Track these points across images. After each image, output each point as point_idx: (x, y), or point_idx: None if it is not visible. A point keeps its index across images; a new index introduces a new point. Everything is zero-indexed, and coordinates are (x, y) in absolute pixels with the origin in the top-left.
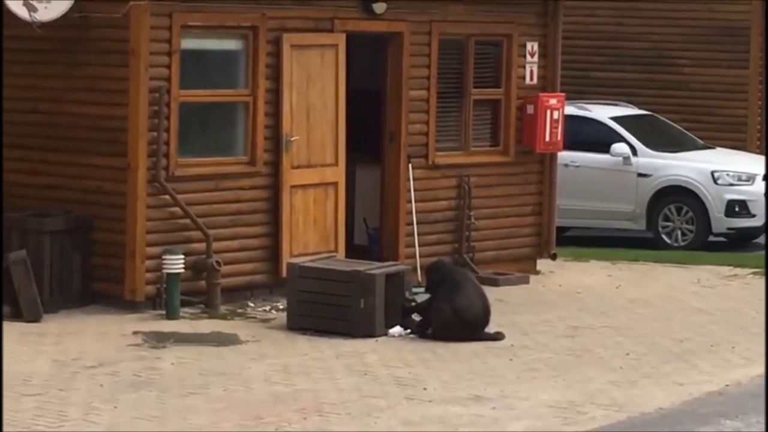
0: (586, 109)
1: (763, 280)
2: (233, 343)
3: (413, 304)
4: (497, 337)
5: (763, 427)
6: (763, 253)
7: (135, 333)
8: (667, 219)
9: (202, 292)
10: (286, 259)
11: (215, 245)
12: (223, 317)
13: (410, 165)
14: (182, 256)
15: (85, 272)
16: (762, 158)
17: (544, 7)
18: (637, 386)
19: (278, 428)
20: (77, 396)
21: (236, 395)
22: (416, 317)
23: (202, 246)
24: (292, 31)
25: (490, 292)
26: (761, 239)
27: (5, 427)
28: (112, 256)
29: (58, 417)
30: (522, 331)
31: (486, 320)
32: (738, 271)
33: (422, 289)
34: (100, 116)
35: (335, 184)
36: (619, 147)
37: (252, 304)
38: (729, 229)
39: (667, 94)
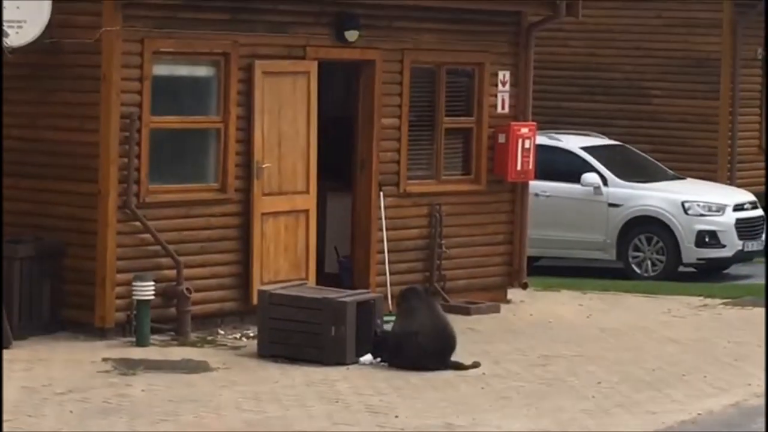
0: (557, 139)
1: (733, 311)
2: (204, 371)
3: (383, 332)
4: (470, 366)
5: None
6: (733, 283)
7: (105, 360)
8: (637, 249)
9: (173, 319)
10: (256, 286)
11: (186, 272)
12: (194, 344)
13: (381, 193)
14: (153, 283)
15: (55, 299)
16: (733, 189)
17: (516, 37)
18: (609, 415)
19: None
20: (47, 423)
21: (207, 422)
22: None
23: (173, 273)
24: (264, 58)
25: (462, 321)
26: (731, 270)
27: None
28: (82, 282)
29: None
30: (494, 360)
31: (451, 348)
32: (708, 301)
33: (393, 317)
34: (72, 142)
35: (306, 211)
36: (590, 177)
37: (222, 332)
38: (699, 259)
39: (639, 124)
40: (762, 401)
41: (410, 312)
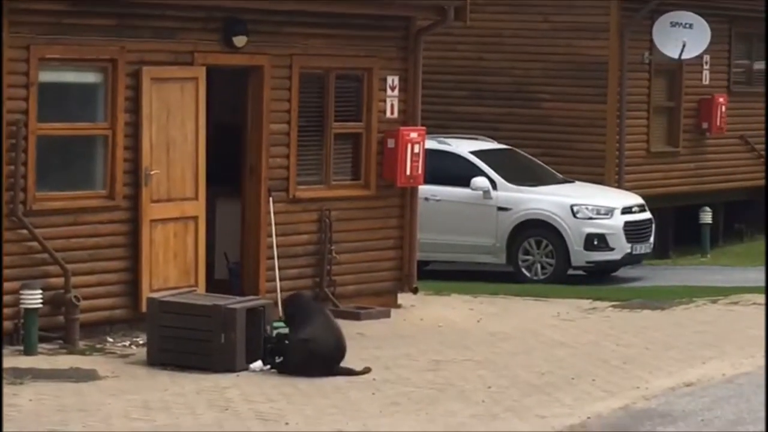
0: (446, 143)
1: (622, 313)
2: (92, 379)
3: (273, 338)
4: (360, 371)
5: None
6: (622, 286)
7: None
8: (526, 252)
9: (61, 327)
10: (145, 293)
11: (74, 280)
12: (82, 353)
13: (271, 199)
14: (40, 291)
15: None
16: (621, 192)
17: (404, 42)
18: (499, 419)
19: None
20: None
21: None
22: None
23: (61, 281)
24: (151, 64)
25: (352, 326)
26: (620, 272)
27: None
28: None
29: None
30: (384, 365)
31: (340, 354)
32: (597, 304)
33: (283, 324)
34: None
35: (195, 218)
36: (479, 181)
37: (111, 340)
38: (588, 262)
39: (527, 128)
40: (650, 404)
41: (300, 319)
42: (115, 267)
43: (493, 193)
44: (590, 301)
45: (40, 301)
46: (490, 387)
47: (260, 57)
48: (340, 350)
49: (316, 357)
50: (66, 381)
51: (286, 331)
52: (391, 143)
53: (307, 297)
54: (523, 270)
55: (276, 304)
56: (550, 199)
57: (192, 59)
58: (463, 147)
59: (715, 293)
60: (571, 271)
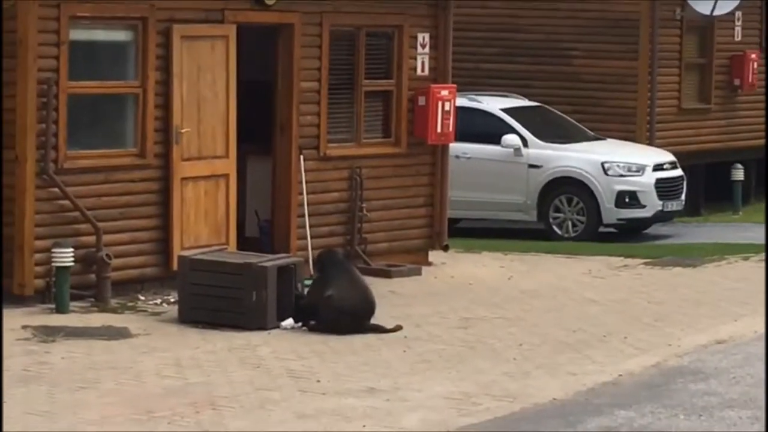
0: (477, 101)
1: (654, 270)
2: (124, 337)
3: (304, 296)
4: (391, 329)
5: (654, 418)
6: (653, 243)
7: (24, 327)
8: (557, 210)
9: (92, 285)
10: (177, 251)
11: (105, 238)
12: (114, 311)
13: (301, 157)
14: (72, 250)
15: None
16: (652, 149)
17: None
18: (530, 377)
19: (171, 422)
20: None
21: (128, 389)
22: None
23: (92, 239)
24: (182, 22)
25: (383, 284)
26: (651, 230)
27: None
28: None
29: None
30: (415, 323)
31: (368, 311)
32: (629, 261)
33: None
34: None
35: (226, 176)
36: (510, 138)
37: (143, 298)
38: (619, 220)
39: (558, 85)
40: (682, 361)
41: (327, 275)
42: (146, 225)
43: (524, 151)
44: (621, 258)
45: (72, 259)
46: (521, 344)
47: (291, 15)
48: (367, 307)
49: (342, 313)
50: (98, 339)
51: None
52: (421, 101)
53: (334, 254)
54: (554, 227)
55: (307, 261)
56: (581, 157)
57: (222, 17)
58: (494, 104)
59: (746, 250)
60: (602, 229)
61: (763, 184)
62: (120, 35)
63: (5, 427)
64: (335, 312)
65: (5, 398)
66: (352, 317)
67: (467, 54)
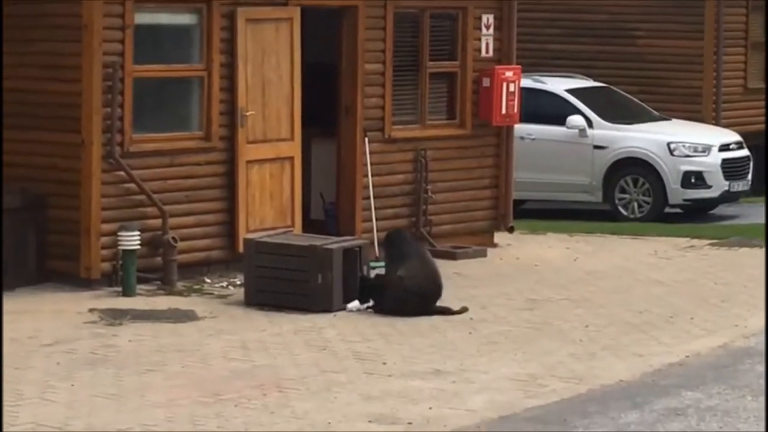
0: (541, 82)
1: (720, 251)
2: (190, 320)
3: (370, 278)
4: (457, 311)
5: (722, 399)
6: (720, 224)
7: (91, 310)
8: (623, 191)
9: (159, 268)
10: (242, 234)
11: (171, 221)
12: (180, 293)
13: (366, 139)
14: (138, 233)
15: (40, 250)
16: (718, 129)
17: None
18: (596, 358)
19: (237, 404)
20: (34, 374)
21: (194, 372)
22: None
23: (158, 222)
24: (246, 5)
25: (448, 266)
26: (717, 210)
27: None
28: (67, 233)
29: (15, 395)
30: (481, 305)
31: (437, 292)
32: (695, 242)
33: (380, 263)
34: (54, 92)
35: (291, 158)
36: (575, 119)
37: (209, 280)
38: (685, 200)
39: (623, 65)
40: (749, 342)
41: (397, 256)
42: (211, 208)
43: (589, 132)
44: (687, 239)
45: (138, 242)
46: (587, 326)
47: None
48: (436, 288)
49: (412, 294)
50: (164, 321)
51: (382, 270)
52: (486, 82)
53: (405, 234)
54: (620, 208)
55: (372, 244)
56: (647, 137)
57: (286, 0)
58: (559, 85)
59: None
60: (668, 209)
61: None
62: (185, 18)
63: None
64: (403, 292)
65: (73, 381)
66: (420, 298)
67: (531, 35)
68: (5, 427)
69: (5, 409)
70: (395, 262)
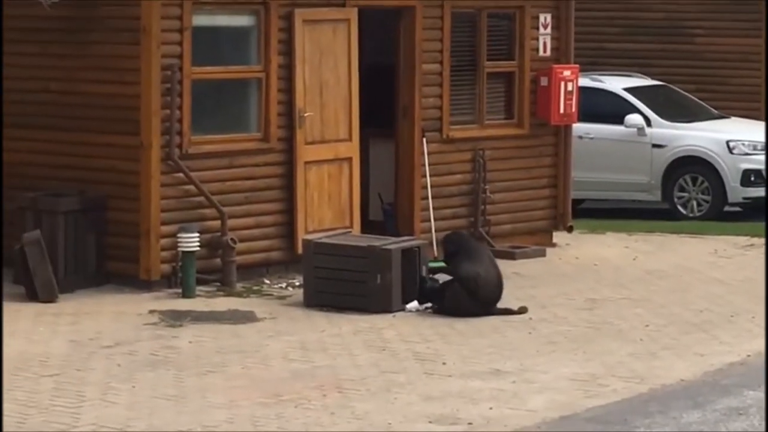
0: (599, 81)
1: None
2: (250, 321)
3: (428, 279)
4: (517, 311)
5: None
6: None
7: (151, 312)
8: (682, 189)
9: (218, 269)
10: (301, 235)
11: (230, 222)
12: (239, 295)
13: (424, 139)
14: (197, 234)
15: (99, 252)
16: None
17: None
18: (657, 358)
19: (298, 405)
20: (95, 376)
21: (254, 373)
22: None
23: (217, 223)
24: (304, 6)
25: (507, 266)
26: None
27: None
28: (126, 235)
29: (77, 397)
30: (540, 305)
31: (500, 293)
32: (755, 240)
33: (438, 263)
34: (112, 95)
35: (349, 159)
36: (633, 118)
37: (268, 281)
38: (745, 198)
39: (681, 64)
40: None
41: (463, 257)
42: (270, 209)
43: (648, 130)
44: (747, 237)
45: (198, 244)
46: (647, 325)
47: None
48: (500, 289)
49: (478, 295)
50: (224, 323)
51: (443, 271)
52: (544, 81)
53: (468, 235)
54: (679, 207)
55: (431, 244)
56: (706, 135)
57: (344, 0)
58: (617, 84)
59: None
60: (727, 208)
61: None
62: (242, 20)
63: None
64: (469, 292)
65: (134, 382)
66: (485, 298)
67: (589, 33)
68: (68, 428)
69: (68, 410)
70: (461, 262)
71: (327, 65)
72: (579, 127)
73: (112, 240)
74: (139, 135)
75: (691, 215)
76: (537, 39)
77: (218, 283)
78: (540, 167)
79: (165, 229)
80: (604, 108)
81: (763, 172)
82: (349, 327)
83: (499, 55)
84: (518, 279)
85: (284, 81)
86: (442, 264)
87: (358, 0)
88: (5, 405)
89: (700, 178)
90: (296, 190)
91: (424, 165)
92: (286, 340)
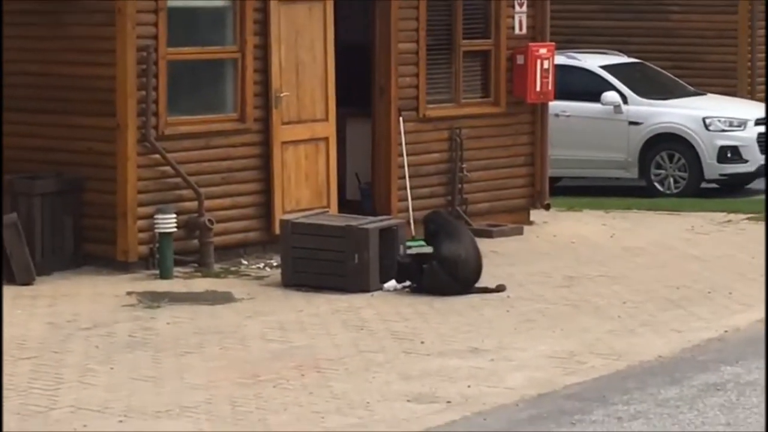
0: (575, 59)
1: (758, 226)
2: (228, 301)
3: (407, 257)
4: (494, 289)
5: (761, 373)
6: (757, 198)
7: (129, 293)
8: (659, 166)
9: (195, 251)
10: (278, 215)
11: (207, 203)
12: (217, 275)
13: (401, 118)
14: (174, 216)
15: (76, 234)
16: (753, 103)
17: None
18: (635, 335)
19: (276, 385)
20: (73, 358)
21: (233, 353)
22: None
23: (194, 205)
24: None
25: (485, 244)
26: (754, 184)
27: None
28: (103, 216)
29: (55, 379)
30: (518, 283)
31: (480, 272)
32: (732, 216)
33: (416, 242)
34: (88, 76)
35: (326, 139)
36: (610, 95)
37: (245, 262)
38: (721, 175)
39: (657, 41)
40: None
41: (444, 236)
42: (247, 190)
43: (624, 108)
44: (724, 213)
45: (175, 225)
46: (625, 302)
47: None
48: (479, 269)
49: (459, 274)
50: (202, 304)
51: (422, 250)
52: (520, 60)
53: (448, 215)
54: (656, 184)
55: (408, 223)
56: (682, 112)
57: None
58: (593, 62)
59: None
60: (704, 184)
61: None
62: (217, 1)
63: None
64: (450, 272)
65: (112, 363)
66: (466, 278)
67: (565, 11)
68: (46, 411)
69: (46, 393)
70: (443, 241)
71: (303, 45)
72: (555, 105)
73: (89, 222)
74: (115, 116)
75: (668, 192)
76: (513, 17)
77: (196, 264)
78: (517, 145)
79: (142, 210)
80: (581, 86)
81: (740, 149)
82: (327, 306)
83: (475, 33)
84: (496, 257)
85: (260, 61)
86: (422, 243)
87: None
88: None
89: (677, 155)
90: (273, 170)
91: (400, 144)
92: (264, 320)
